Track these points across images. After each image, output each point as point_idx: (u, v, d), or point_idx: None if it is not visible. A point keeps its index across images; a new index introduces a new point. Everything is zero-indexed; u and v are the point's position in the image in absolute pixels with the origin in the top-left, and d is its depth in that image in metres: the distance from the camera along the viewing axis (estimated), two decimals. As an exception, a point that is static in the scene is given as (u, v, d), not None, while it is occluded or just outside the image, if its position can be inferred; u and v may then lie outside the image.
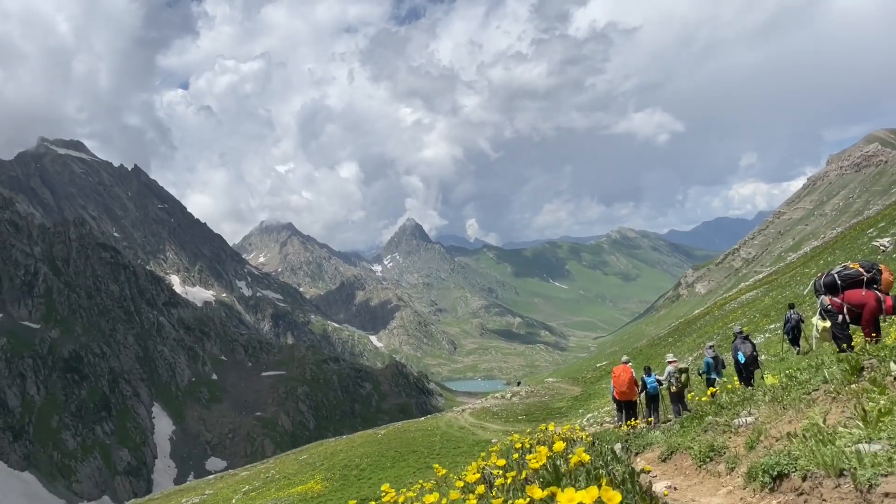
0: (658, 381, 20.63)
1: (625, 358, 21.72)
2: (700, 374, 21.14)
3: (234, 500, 40.39)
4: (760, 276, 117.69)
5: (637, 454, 9.25)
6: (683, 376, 19.72)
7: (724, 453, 6.74)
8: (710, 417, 8.26)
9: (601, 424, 23.93)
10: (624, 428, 17.94)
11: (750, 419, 7.24)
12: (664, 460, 8.12)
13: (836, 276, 10.26)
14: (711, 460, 6.81)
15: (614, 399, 21.48)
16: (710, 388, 18.69)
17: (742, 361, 17.98)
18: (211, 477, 71.09)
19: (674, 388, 19.75)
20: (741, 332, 18.82)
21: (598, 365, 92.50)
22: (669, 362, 20.18)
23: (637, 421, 19.13)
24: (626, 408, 20.69)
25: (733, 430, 7.24)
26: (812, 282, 10.54)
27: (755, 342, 21.14)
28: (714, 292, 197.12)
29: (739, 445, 6.62)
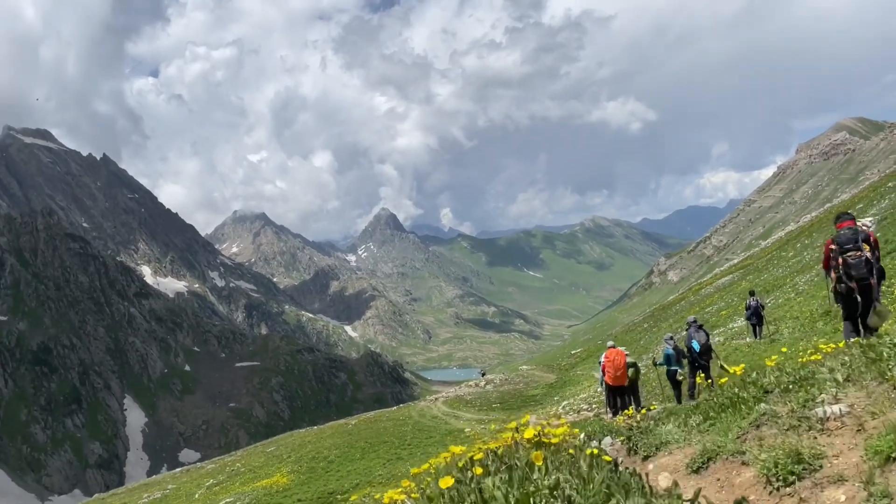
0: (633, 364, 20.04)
1: (611, 343, 21.27)
2: (657, 366, 20.65)
3: (196, 495, 39.73)
4: (734, 261, 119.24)
5: (647, 458, 6.58)
6: (631, 371, 19.47)
7: (824, 465, 4.24)
8: (764, 405, 5.71)
9: (578, 412, 24.01)
10: (620, 420, 17.91)
11: (842, 407, 4.90)
12: (696, 471, 5.46)
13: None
14: (801, 478, 4.20)
15: (605, 385, 20.81)
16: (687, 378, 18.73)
17: (696, 350, 17.77)
18: (177, 470, 70.24)
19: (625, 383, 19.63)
20: (695, 322, 18.63)
21: (572, 352, 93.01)
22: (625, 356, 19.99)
23: (632, 409, 18.95)
24: (619, 394, 20.19)
25: (817, 425, 4.84)
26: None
27: (711, 330, 21.09)
28: (686, 280, 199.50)
29: (847, 451, 4.32)
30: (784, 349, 16.38)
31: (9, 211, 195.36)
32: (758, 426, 5.43)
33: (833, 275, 9.93)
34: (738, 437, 5.48)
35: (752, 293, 26.33)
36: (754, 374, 6.85)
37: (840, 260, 9.77)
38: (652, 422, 7.60)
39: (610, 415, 20.23)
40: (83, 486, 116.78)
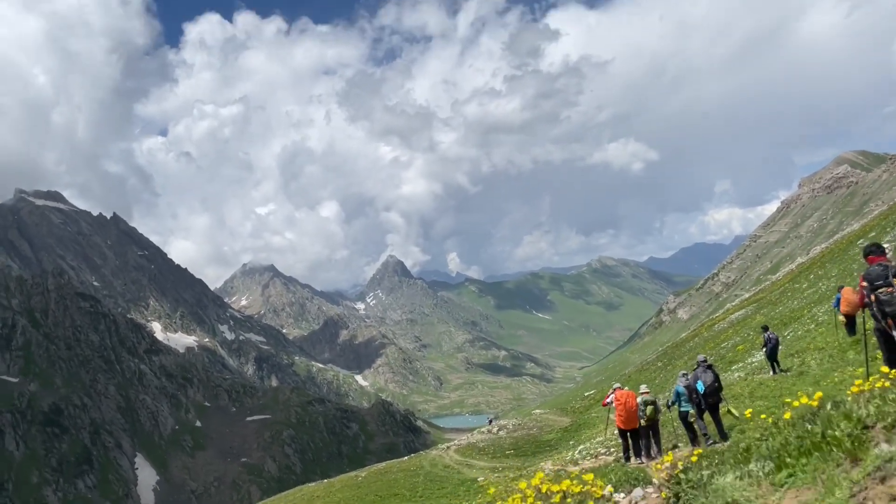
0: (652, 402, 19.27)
1: (617, 384, 20.78)
2: (669, 406, 19.76)
3: None
4: (745, 296, 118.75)
5: None
6: (649, 409, 18.76)
7: None
8: (886, 448, 4.13)
9: (596, 457, 23.72)
10: (656, 467, 17.58)
11: None
12: None
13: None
14: None
15: (619, 429, 20.17)
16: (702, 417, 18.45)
17: (701, 391, 17.31)
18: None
19: (643, 422, 18.91)
20: (704, 361, 18.11)
21: (586, 394, 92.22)
22: (641, 393, 19.27)
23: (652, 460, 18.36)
24: (633, 437, 19.60)
25: None
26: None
27: (729, 366, 20.77)
28: (696, 317, 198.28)
29: None
30: (816, 382, 16.25)
31: (20, 272, 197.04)
32: (882, 478, 3.74)
33: (864, 311, 9.65)
34: (853, 496, 3.90)
35: (765, 328, 26.22)
36: (829, 406, 5.44)
37: (873, 297, 9.35)
38: (704, 472, 5.86)
39: (623, 460, 20.02)
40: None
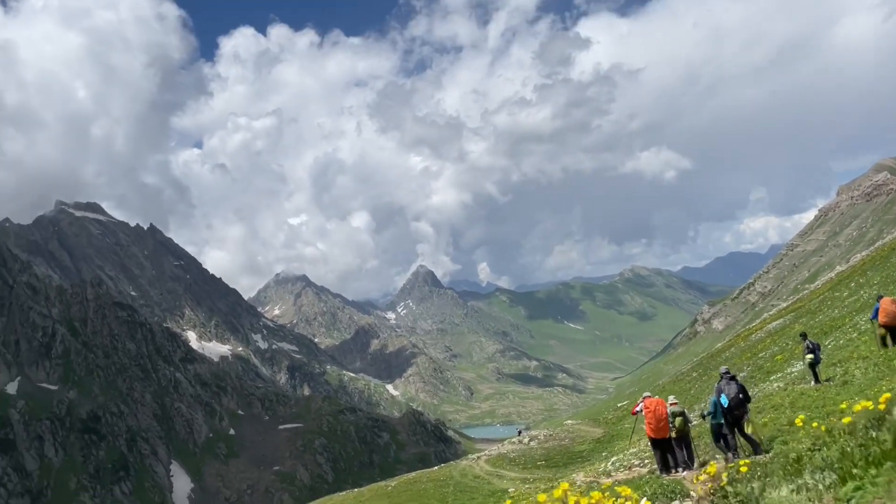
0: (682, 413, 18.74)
1: (647, 394, 20.15)
2: (704, 417, 18.92)
3: None
4: (782, 305, 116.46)
5: None
6: (678, 420, 18.20)
7: None
8: None
9: (629, 468, 23.30)
10: (700, 478, 17.22)
11: None
12: None
13: None
14: None
15: (649, 439, 19.67)
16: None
17: (725, 405, 16.86)
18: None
19: (672, 434, 18.42)
20: (727, 373, 17.65)
21: (619, 405, 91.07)
22: (669, 405, 18.71)
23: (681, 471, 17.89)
24: (664, 447, 18.99)
25: None
26: None
27: (767, 376, 20.01)
28: (732, 327, 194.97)
29: None
30: (861, 391, 15.74)
31: (60, 282, 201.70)
32: None
33: None
34: None
35: (804, 335, 25.59)
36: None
37: None
38: (754, 485, 5.26)
39: (658, 471, 19.62)
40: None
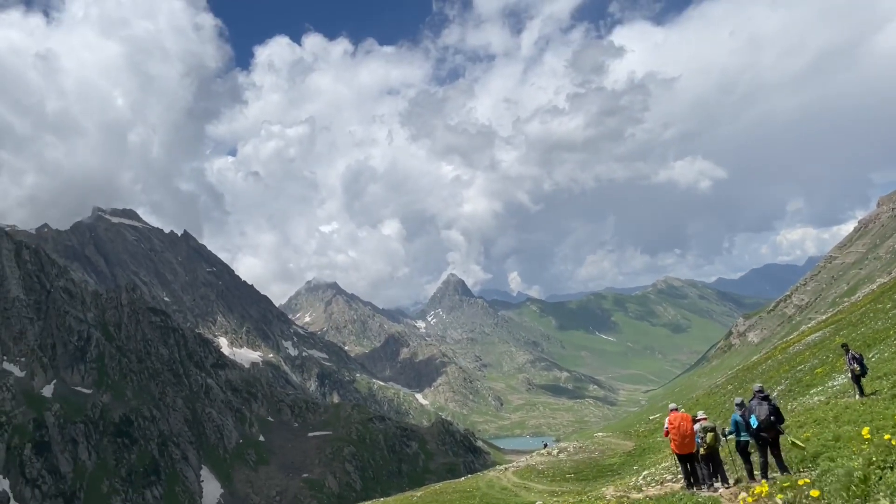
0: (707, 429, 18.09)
1: (673, 405, 19.76)
2: (726, 436, 18.40)
3: None
4: (820, 318, 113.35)
5: None
6: (709, 436, 17.60)
7: None
8: None
9: (661, 483, 22.27)
10: (703, 491, 16.50)
11: None
12: None
13: None
14: None
15: (674, 454, 19.13)
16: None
17: (754, 426, 16.09)
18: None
19: (702, 450, 17.73)
20: (760, 391, 16.70)
21: (651, 418, 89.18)
22: (697, 420, 18.16)
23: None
24: (689, 462, 18.52)
25: None
26: None
27: (807, 390, 18.72)
28: (768, 340, 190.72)
29: None
30: None
31: (96, 287, 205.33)
32: None
33: None
34: None
35: (846, 347, 24.45)
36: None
37: None
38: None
39: (686, 488, 18.75)
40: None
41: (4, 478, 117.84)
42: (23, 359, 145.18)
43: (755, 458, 16.91)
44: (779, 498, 4.76)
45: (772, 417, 16.06)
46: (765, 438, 16.00)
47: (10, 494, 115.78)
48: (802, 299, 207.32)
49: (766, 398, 16.47)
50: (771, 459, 16.09)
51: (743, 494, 11.35)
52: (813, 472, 12.11)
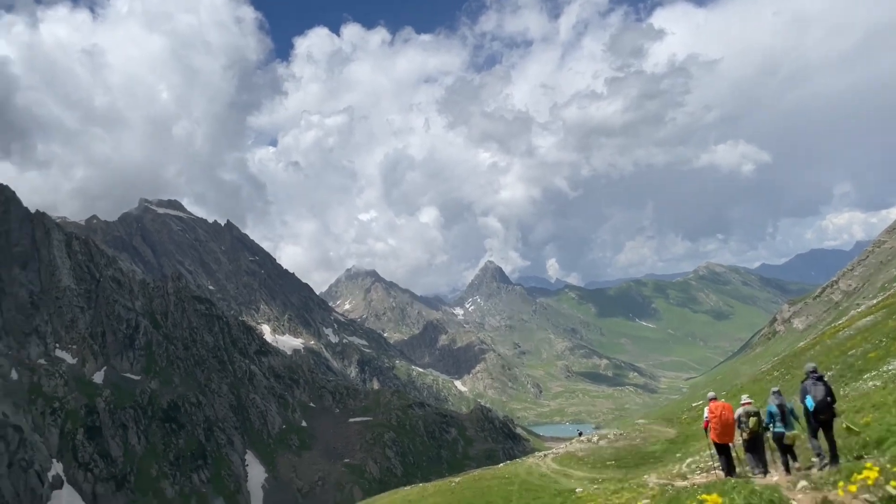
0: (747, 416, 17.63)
1: (712, 394, 19.35)
2: (764, 428, 17.46)
3: None
4: (871, 302, 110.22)
5: None
6: (752, 420, 17.07)
7: None
8: None
9: (707, 471, 21.97)
10: (732, 481, 16.32)
11: None
12: None
13: None
14: None
15: (713, 443, 18.74)
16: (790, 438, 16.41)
17: (811, 408, 15.40)
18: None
19: (745, 436, 17.29)
20: (814, 372, 16.03)
21: (693, 405, 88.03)
22: (742, 404, 17.59)
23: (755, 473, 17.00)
24: (727, 452, 18.34)
25: None
26: None
27: (859, 375, 17.97)
28: (813, 327, 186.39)
29: None
30: None
31: (143, 277, 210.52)
32: None
33: None
34: None
35: None
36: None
37: None
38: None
39: (724, 474, 18.31)
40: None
41: (58, 461, 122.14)
42: (74, 346, 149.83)
43: (810, 446, 16.23)
44: (893, 484, 4.52)
45: (828, 398, 15.54)
46: (822, 421, 15.43)
47: (64, 478, 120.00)
48: (850, 284, 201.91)
49: (820, 378, 15.93)
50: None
51: (803, 483, 11.04)
52: (881, 458, 11.72)
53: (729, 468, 18.32)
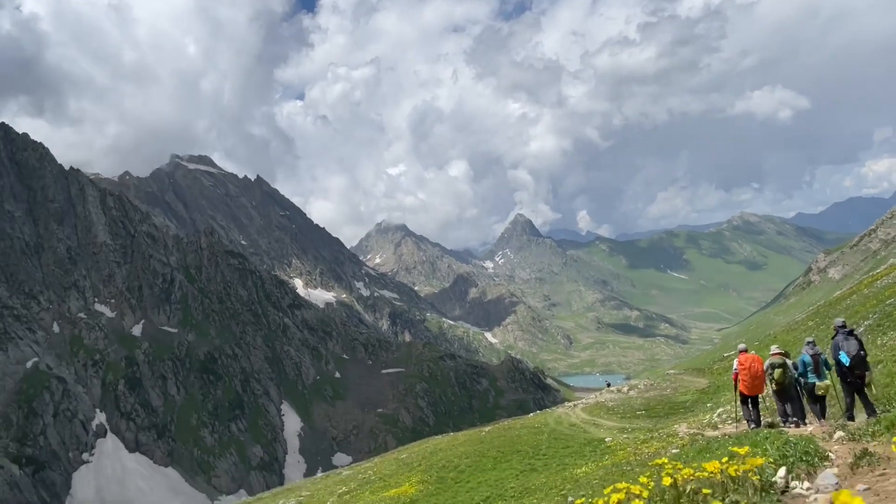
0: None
1: (742, 345, 18.93)
2: (795, 378, 17.00)
3: (328, 503, 40.57)
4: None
5: None
6: (776, 372, 16.57)
7: None
8: None
9: (738, 421, 21.80)
10: (765, 431, 15.99)
11: None
12: None
13: None
14: None
15: (741, 394, 18.28)
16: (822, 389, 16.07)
17: (846, 363, 14.91)
18: (317, 476, 73.07)
19: (774, 387, 16.84)
20: (843, 326, 15.49)
21: (725, 355, 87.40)
22: (772, 355, 17.06)
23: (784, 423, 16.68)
24: (754, 403, 18.02)
25: None
26: None
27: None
28: (850, 276, 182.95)
29: None
30: None
31: (177, 232, 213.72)
32: None
33: None
34: None
35: None
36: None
37: None
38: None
39: (753, 425, 18.12)
40: (248, 486, 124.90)
41: (101, 411, 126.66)
42: (112, 300, 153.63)
43: (843, 402, 15.90)
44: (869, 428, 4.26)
45: (861, 352, 15.08)
46: (857, 376, 14.96)
47: (107, 427, 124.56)
48: (889, 233, 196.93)
49: (851, 332, 15.43)
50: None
51: (839, 433, 10.74)
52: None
53: (757, 419, 18.01)
